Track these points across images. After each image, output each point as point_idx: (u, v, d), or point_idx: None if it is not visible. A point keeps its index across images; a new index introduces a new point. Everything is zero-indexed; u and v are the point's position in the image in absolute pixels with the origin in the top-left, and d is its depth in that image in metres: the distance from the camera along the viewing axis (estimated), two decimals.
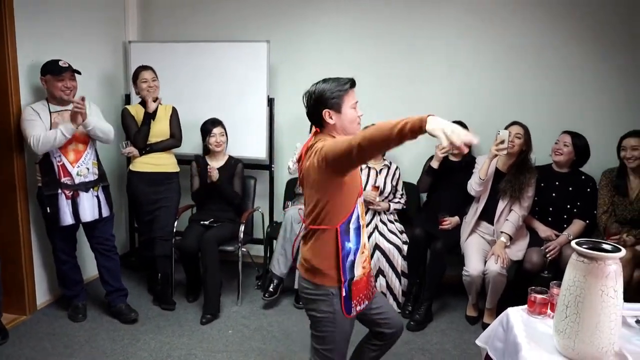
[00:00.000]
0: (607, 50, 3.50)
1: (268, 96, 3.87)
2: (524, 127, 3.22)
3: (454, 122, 1.53)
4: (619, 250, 1.51)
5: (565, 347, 1.56)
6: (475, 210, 3.36)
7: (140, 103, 3.49)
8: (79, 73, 3.07)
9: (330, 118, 1.93)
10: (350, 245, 1.94)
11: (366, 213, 3.59)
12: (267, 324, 3.27)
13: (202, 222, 3.55)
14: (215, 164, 3.59)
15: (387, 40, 3.84)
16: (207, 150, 3.66)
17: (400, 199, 3.64)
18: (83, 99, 2.94)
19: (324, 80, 1.96)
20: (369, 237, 3.43)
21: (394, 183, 3.61)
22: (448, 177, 3.50)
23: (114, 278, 3.29)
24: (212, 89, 3.94)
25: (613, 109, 3.52)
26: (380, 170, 3.61)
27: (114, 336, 3.06)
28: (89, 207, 3.08)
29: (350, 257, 1.94)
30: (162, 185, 3.47)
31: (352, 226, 1.93)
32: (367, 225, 3.53)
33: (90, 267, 3.47)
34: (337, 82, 1.93)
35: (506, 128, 3.22)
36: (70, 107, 3.00)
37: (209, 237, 3.38)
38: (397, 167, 3.65)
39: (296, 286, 3.48)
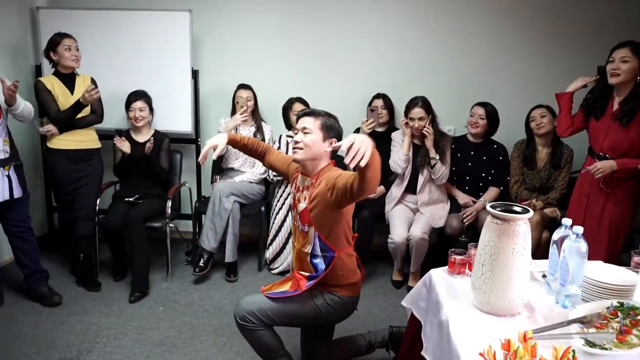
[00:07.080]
0: (516, 33, 3.72)
1: (192, 68, 3.77)
2: (424, 105, 3.33)
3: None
4: (528, 211, 1.65)
5: (481, 301, 1.70)
6: (401, 184, 3.48)
7: (54, 74, 3.25)
8: None
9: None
10: None
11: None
12: (199, 298, 3.25)
13: (126, 199, 3.43)
14: (140, 139, 3.47)
15: (316, 15, 3.82)
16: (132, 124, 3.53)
17: None
18: (16, 84, 2.80)
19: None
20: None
21: None
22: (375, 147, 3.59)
23: (32, 260, 3.11)
24: (131, 60, 3.76)
25: (521, 86, 3.76)
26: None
27: (36, 320, 2.93)
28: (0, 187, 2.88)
29: None
30: (84, 162, 3.31)
31: None
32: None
33: (4, 250, 3.26)
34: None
35: (410, 107, 3.35)
36: None
37: (134, 213, 3.29)
38: None
39: (227, 260, 3.48)
